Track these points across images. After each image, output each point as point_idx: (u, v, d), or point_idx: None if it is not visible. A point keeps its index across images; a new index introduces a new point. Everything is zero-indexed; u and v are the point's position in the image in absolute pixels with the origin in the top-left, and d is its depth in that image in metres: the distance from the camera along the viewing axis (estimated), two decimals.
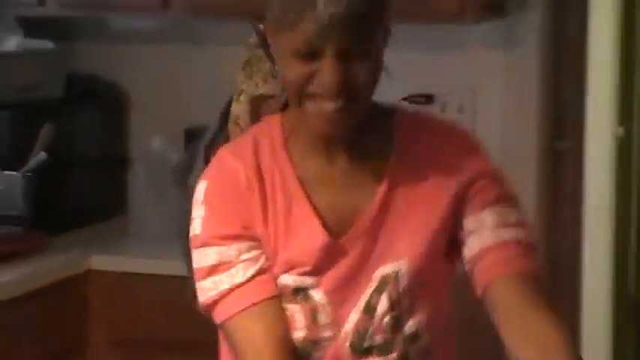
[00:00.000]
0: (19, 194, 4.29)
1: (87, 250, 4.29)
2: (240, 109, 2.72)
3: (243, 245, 2.35)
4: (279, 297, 2.35)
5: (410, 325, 2.48)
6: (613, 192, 5.14)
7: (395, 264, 2.49)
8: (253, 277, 2.33)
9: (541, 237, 4.65)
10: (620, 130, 5.18)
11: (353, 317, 2.51)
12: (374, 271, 2.45)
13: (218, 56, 4.67)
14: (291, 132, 2.43)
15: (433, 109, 4.77)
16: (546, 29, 4.88)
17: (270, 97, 2.65)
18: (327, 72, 2.19)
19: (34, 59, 4.69)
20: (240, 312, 2.28)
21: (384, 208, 2.47)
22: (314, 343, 2.52)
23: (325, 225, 2.37)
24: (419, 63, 4.74)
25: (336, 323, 2.51)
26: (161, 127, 4.70)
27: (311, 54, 2.24)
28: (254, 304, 2.28)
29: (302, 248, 2.44)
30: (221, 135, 2.69)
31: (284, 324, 2.35)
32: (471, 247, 2.43)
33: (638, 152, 5.38)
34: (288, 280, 2.44)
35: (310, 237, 2.41)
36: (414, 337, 2.50)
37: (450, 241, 2.44)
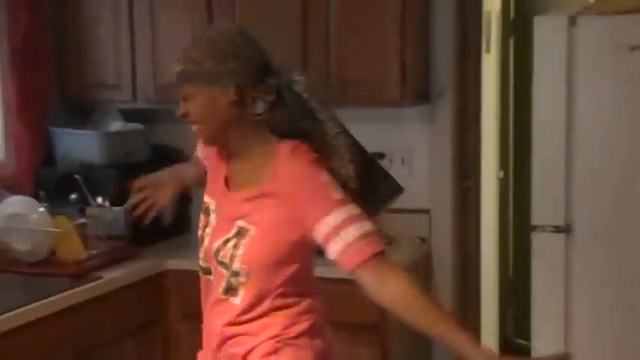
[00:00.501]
0: (123, 221, 4.63)
1: (165, 256, 4.78)
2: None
3: None
4: None
5: (235, 265, 2.95)
6: (496, 215, 5.98)
7: (250, 225, 2.98)
8: None
9: (453, 243, 5.35)
10: (501, 173, 6.14)
11: (216, 241, 3.05)
12: (236, 221, 2.99)
13: None
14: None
15: (384, 163, 4.56)
16: (454, 109, 5.21)
17: None
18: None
19: (131, 136, 5.15)
20: None
21: (254, 195, 3.05)
22: (201, 242, 3.14)
23: (227, 184, 3.08)
24: (375, 132, 4.90)
25: (207, 236, 3.14)
26: None
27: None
28: None
29: (218, 187, 3.12)
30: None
31: None
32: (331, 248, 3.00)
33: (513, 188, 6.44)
34: (205, 199, 3.12)
35: (220, 184, 3.10)
36: (236, 273, 2.98)
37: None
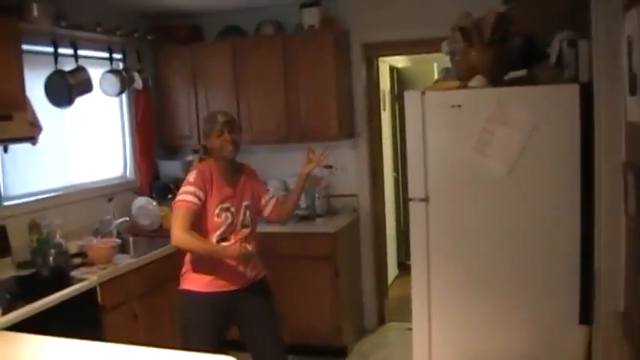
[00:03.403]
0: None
1: None
2: (195, 162, 3.44)
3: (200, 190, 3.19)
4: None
5: (248, 222, 3.28)
6: (392, 194, 5.75)
7: (247, 202, 3.34)
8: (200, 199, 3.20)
9: (370, 211, 5.33)
10: (395, 174, 5.96)
11: (240, 216, 3.27)
12: (243, 202, 3.31)
13: None
14: (215, 165, 3.25)
15: (332, 171, 5.22)
16: (368, 141, 5.24)
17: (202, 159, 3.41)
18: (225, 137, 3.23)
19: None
20: None
21: (242, 185, 3.32)
22: (230, 225, 3.23)
23: (230, 186, 3.26)
24: (328, 154, 4.49)
25: (235, 218, 3.25)
26: None
27: (220, 134, 3.23)
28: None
29: (226, 193, 3.24)
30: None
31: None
32: (267, 209, 3.46)
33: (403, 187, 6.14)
34: (223, 204, 3.22)
35: (227, 190, 3.25)
36: (248, 225, 3.30)
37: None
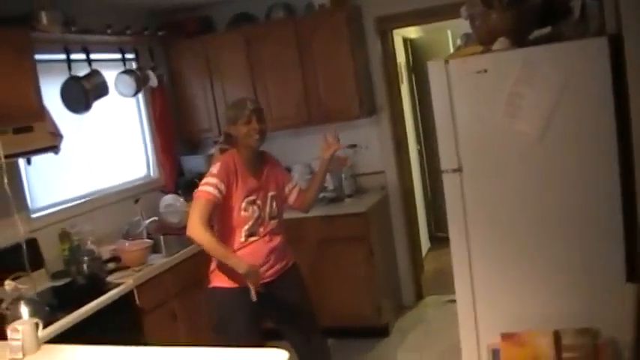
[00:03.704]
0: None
1: None
2: (215, 153, 3.45)
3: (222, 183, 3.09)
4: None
5: (275, 214, 3.22)
6: (417, 166, 5.90)
7: (273, 192, 3.26)
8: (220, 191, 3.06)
9: (399, 187, 5.26)
10: (419, 146, 6.04)
11: (267, 208, 3.20)
12: (268, 193, 3.23)
13: None
14: (238, 156, 3.15)
15: (356, 150, 5.17)
16: (389, 116, 5.18)
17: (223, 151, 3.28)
18: (254, 126, 3.13)
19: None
20: None
21: (266, 175, 3.23)
22: (258, 218, 3.16)
23: (254, 178, 3.17)
24: (349, 134, 5.00)
25: (263, 211, 3.19)
26: None
27: (248, 121, 3.12)
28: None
29: (251, 185, 3.15)
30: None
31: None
32: (291, 197, 3.37)
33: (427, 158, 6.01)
34: (249, 197, 3.13)
35: (252, 182, 3.16)
36: (276, 216, 3.24)
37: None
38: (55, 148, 3.62)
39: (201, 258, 3.92)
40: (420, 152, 6.75)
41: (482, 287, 3.41)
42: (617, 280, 3.13)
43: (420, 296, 5.47)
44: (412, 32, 6.87)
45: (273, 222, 3.22)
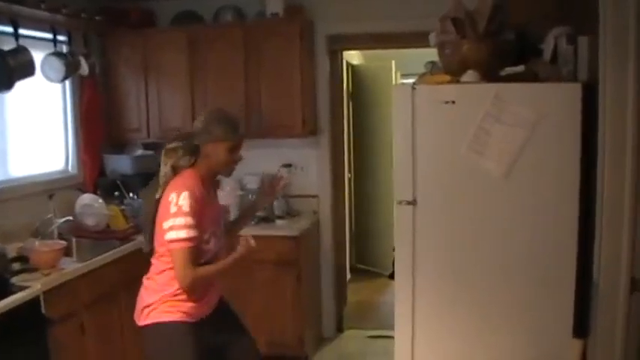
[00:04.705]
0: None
1: None
2: (166, 169, 2.67)
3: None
4: None
5: (223, 240, 2.84)
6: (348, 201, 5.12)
7: (222, 215, 2.91)
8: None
9: (331, 213, 5.08)
10: (349, 174, 5.41)
11: (222, 238, 2.79)
12: (221, 219, 2.85)
13: None
14: (198, 177, 2.66)
15: (291, 170, 4.93)
16: (330, 139, 4.99)
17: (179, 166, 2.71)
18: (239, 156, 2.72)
19: (146, 158, 4.81)
20: None
21: (216, 198, 2.84)
22: (216, 252, 2.72)
23: (212, 204, 2.75)
24: (287, 152, 4.90)
25: (219, 241, 2.75)
26: None
27: (234, 149, 2.68)
28: None
29: (213, 214, 2.71)
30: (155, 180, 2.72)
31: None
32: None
33: (355, 187, 5.24)
34: (211, 228, 2.69)
35: (212, 209, 2.72)
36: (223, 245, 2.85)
37: None
38: None
39: (118, 267, 3.71)
40: (349, 180, 6.59)
41: (423, 328, 3.26)
42: (564, 334, 3.04)
43: (340, 329, 5.26)
44: (355, 58, 6.79)
45: (223, 250, 2.82)
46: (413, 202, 3.20)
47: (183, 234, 2.51)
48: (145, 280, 2.78)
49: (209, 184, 2.77)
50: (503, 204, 3.11)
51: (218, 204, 2.87)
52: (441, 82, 3.30)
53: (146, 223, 2.78)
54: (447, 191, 3.19)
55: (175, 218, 2.53)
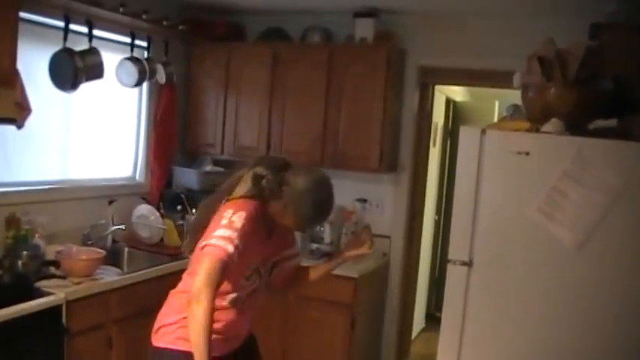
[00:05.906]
0: None
1: None
2: (240, 190, 2.35)
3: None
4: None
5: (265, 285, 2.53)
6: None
7: (276, 257, 2.52)
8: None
9: (403, 257, 4.76)
10: (437, 217, 5.62)
11: (265, 278, 2.49)
12: (272, 259, 2.51)
13: None
14: (261, 211, 2.34)
15: (365, 206, 4.67)
16: (410, 177, 4.76)
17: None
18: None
19: (216, 174, 4.69)
20: None
21: (276, 236, 2.49)
22: (254, 290, 2.46)
23: (268, 241, 2.45)
24: (363, 186, 4.66)
25: (261, 280, 2.46)
26: None
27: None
28: None
29: (267, 252, 2.44)
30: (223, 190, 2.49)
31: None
32: (283, 267, 2.60)
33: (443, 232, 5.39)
34: (257, 265, 2.44)
35: (267, 247, 2.45)
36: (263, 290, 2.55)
37: None
38: (15, 122, 3.13)
39: (161, 284, 3.39)
40: (436, 223, 6.25)
41: None
42: None
43: None
44: (458, 94, 6.41)
45: (260, 295, 2.56)
46: (468, 264, 2.88)
47: (223, 244, 2.22)
48: (170, 294, 2.53)
49: (269, 221, 2.46)
50: (574, 279, 2.70)
51: (274, 247, 2.54)
52: (518, 129, 2.93)
53: (195, 228, 2.50)
54: (507, 255, 2.83)
55: (223, 229, 2.27)
